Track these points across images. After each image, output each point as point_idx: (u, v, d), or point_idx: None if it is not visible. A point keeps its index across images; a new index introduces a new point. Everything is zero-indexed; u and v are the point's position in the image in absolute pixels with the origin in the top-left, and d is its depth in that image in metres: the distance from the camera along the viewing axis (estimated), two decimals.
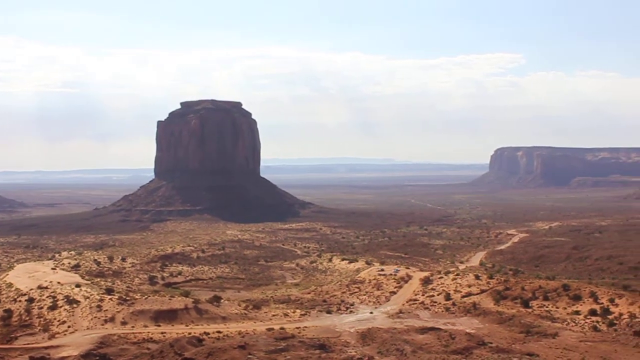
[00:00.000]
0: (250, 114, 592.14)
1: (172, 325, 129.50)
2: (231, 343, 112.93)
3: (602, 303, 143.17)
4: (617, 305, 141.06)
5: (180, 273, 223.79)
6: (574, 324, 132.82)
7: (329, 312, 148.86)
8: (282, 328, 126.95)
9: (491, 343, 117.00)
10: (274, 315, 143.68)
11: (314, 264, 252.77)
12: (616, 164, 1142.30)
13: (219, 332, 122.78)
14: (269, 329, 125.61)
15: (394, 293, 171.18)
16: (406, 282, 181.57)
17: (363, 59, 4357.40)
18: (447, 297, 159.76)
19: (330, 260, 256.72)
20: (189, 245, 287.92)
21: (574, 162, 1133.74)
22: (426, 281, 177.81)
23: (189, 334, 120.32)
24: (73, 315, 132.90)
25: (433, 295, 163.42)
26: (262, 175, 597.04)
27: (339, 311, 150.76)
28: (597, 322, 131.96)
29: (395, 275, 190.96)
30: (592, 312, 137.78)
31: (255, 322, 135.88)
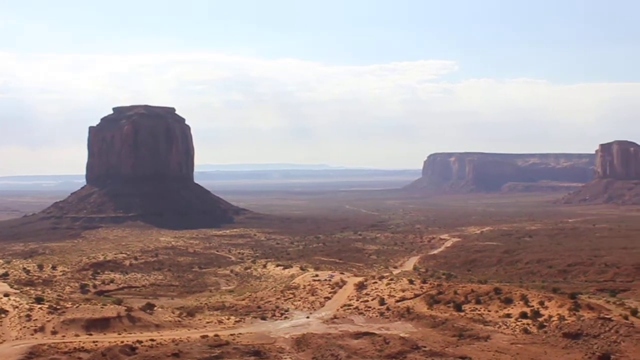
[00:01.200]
0: (183, 120, 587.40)
1: (104, 334, 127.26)
2: (165, 351, 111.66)
3: (533, 306, 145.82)
4: (546, 307, 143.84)
5: (112, 281, 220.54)
6: (505, 327, 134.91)
7: (263, 318, 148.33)
8: (216, 335, 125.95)
9: (425, 347, 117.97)
10: (208, 323, 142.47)
11: (249, 270, 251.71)
12: (546, 170, 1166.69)
13: (152, 340, 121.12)
14: (203, 336, 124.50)
15: (329, 298, 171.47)
16: (340, 287, 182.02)
17: (297, 65, 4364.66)
18: (382, 302, 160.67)
19: (264, 266, 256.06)
20: (122, 253, 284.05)
21: (505, 167, 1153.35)
22: (360, 286, 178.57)
23: (122, 342, 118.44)
24: (1, 326, 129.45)
25: (367, 300, 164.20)
26: (196, 181, 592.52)
27: (274, 317, 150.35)
28: (528, 324, 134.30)
29: (329, 280, 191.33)
30: (523, 315, 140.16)
31: (189, 330, 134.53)
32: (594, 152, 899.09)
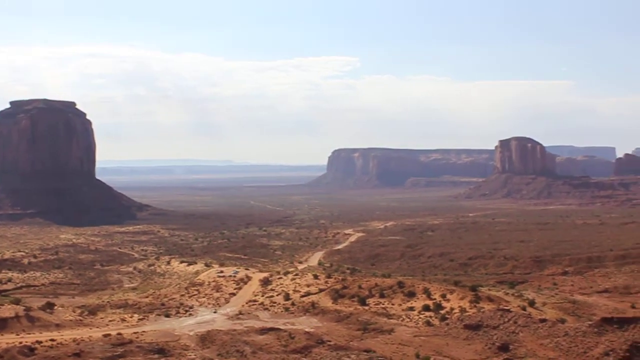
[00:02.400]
0: (84, 114, 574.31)
1: (2, 335, 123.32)
2: (65, 351, 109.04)
3: (435, 299, 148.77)
4: (448, 300, 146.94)
5: (10, 280, 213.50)
6: (408, 320, 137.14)
7: (167, 315, 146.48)
8: (119, 333, 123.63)
9: (330, 341, 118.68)
10: (110, 321, 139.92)
11: (152, 267, 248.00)
12: (447, 165, 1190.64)
13: (52, 340, 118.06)
14: (106, 335, 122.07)
15: (234, 295, 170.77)
16: (246, 283, 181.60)
17: (201, 60, 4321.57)
18: (287, 297, 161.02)
19: (168, 263, 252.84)
20: (20, 251, 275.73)
21: (408, 163, 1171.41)
22: (265, 282, 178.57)
23: (20, 343, 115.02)
24: None
25: (272, 296, 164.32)
26: (97, 177, 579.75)
27: (178, 314, 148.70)
28: (430, 317, 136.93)
29: (234, 276, 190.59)
30: (426, 308, 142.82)
31: (91, 329, 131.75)
32: (493, 148, 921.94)
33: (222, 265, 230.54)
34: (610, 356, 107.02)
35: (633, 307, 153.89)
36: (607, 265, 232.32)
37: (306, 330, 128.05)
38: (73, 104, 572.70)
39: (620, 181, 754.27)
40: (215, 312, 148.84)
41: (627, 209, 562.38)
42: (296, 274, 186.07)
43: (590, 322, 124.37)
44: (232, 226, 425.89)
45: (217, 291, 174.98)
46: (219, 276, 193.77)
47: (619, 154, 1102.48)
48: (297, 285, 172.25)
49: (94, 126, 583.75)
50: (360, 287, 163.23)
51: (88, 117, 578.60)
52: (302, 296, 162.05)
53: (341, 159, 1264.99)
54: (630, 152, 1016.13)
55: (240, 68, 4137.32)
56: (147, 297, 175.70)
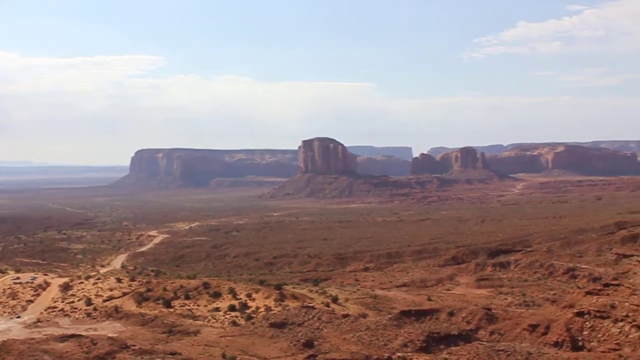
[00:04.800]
0: None
1: None
2: None
3: (241, 298, 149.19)
4: (254, 299, 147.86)
5: None
6: (214, 321, 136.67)
7: None
8: None
9: (134, 345, 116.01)
10: None
11: None
12: (252, 165, 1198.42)
13: None
14: None
15: (31, 302, 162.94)
16: (44, 289, 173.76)
17: None
18: (89, 302, 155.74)
19: None
20: None
21: (212, 163, 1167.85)
22: (65, 287, 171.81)
23: None
24: None
25: (73, 302, 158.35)
26: None
27: None
28: (236, 316, 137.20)
29: (32, 282, 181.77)
30: (231, 308, 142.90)
31: None
32: (297, 149, 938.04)
33: (18, 271, 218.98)
34: (408, 347, 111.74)
35: (429, 299, 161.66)
36: (405, 260, 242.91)
37: (109, 335, 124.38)
38: None
39: (416, 180, 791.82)
40: (11, 321, 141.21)
41: (423, 206, 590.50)
42: (98, 278, 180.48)
43: (390, 316, 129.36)
44: (30, 230, 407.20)
45: (13, 299, 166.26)
46: (15, 283, 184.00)
47: (415, 153, 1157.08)
48: (99, 289, 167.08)
49: None
50: (165, 289, 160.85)
51: None
52: (105, 300, 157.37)
53: (145, 159, 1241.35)
54: (425, 152, 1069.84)
55: (38, 65, 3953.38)
56: None
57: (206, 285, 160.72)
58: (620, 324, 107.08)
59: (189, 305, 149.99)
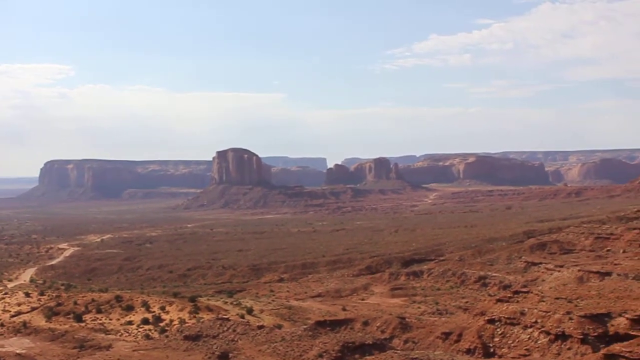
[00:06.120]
0: None
1: None
2: None
3: (154, 311, 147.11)
4: (168, 312, 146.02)
5: None
6: (127, 334, 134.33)
7: None
8: None
9: None
10: None
11: None
12: (165, 176, 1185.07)
13: None
14: None
15: None
16: None
17: None
18: None
19: None
20: None
21: (125, 174, 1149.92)
22: None
23: None
24: None
25: None
26: None
27: None
28: (150, 330, 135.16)
29: None
30: (145, 321, 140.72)
31: None
32: (211, 159, 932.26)
33: None
34: (324, 357, 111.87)
35: (344, 309, 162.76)
36: (320, 270, 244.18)
37: (17, 352, 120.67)
38: None
39: (331, 190, 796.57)
40: None
41: (337, 216, 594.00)
42: (5, 293, 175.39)
43: (305, 326, 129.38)
44: None
45: None
46: None
47: (330, 164, 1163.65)
48: (6, 304, 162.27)
49: None
50: (76, 303, 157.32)
51: None
52: (13, 316, 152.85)
53: (54, 170, 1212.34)
54: (339, 163, 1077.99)
55: None
56: None
57: (118, 299, 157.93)
58: (530, 330, 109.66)
59: (100, 319, 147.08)
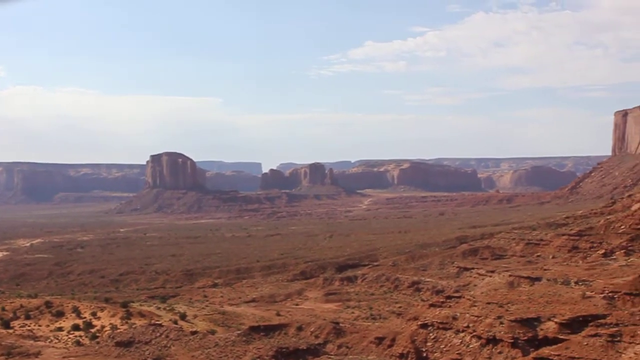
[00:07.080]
0: None
1: None
2: None
3: (85, 317, 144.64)
4: (99, 318, 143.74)
5: None
6: (57, 341, 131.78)
7: None
8: None
9: None
10: None
11: None
12: (98, 180, 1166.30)
13: None
14: None
15: None
16: None
17: None
18: None
19: None
20: None
21: (56, 177, 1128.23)
22: None
23: None
24: None
25: None
26: None
27: None
28: (81, 336, 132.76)
29: None
30: (75, 327, 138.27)
31: None
32: (145, 163, 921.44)
33: None
34: None
35: (278, 314, 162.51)
36: (254, 275, 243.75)
37: None
38: None
39: (266, 195, 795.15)
40: None
41: (272, 221, 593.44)
42: None
43: (239, 332, 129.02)
44: None
45: None
46: None
47: (265, 169, 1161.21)
48: None
49: None
50: (3, 309, 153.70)
51: None
52: None
53: None
54: (275, 168, 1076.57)
55: None
56: None
57: (48, 305, 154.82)
58: (462, 334, 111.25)
59: (29, 326, 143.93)
